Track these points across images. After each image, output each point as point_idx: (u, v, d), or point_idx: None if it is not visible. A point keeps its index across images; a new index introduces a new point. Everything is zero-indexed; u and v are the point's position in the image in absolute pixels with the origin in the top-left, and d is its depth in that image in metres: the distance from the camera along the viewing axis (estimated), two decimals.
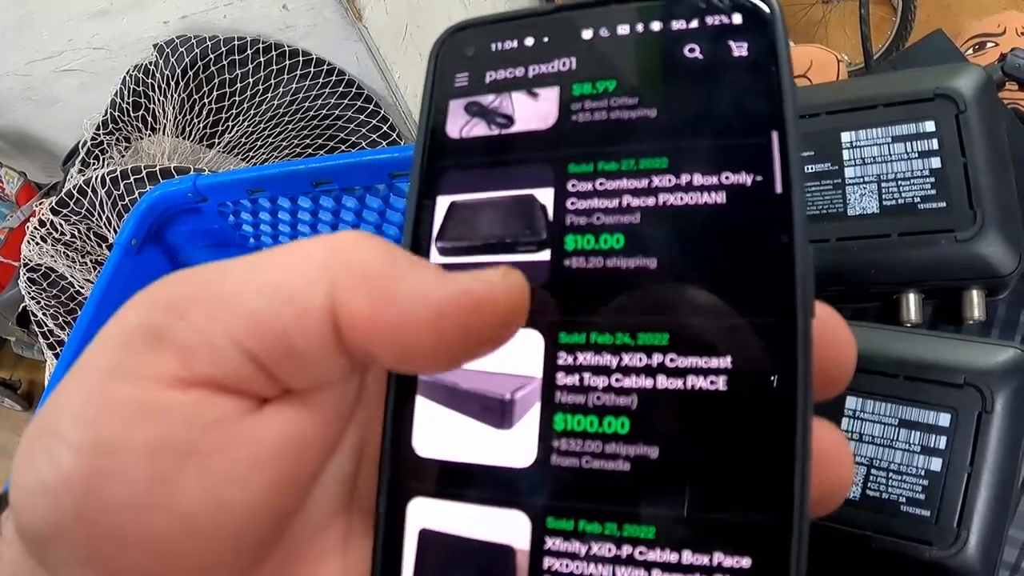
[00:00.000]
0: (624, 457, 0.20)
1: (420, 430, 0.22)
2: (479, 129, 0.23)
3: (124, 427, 0.18)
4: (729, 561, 0.18)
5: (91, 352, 0.19)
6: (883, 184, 0.51)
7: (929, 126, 0.50)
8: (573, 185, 0.22)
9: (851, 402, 0.45)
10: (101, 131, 1.37)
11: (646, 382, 0.20)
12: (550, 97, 0.23)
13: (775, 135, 0.20)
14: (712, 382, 0.19)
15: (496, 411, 0.21)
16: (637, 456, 0.20)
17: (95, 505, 0.17)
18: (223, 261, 0.20)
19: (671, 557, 0.19)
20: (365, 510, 0.22)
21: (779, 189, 0.20)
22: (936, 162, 0.50)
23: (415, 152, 0.24)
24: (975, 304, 0.50)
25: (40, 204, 1.34)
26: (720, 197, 0.20)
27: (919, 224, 0.49)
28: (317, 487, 0.22)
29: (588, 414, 0.20)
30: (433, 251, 0.23)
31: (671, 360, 0.20)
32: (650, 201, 0.21)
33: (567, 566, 0.20)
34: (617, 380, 0.20)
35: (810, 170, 0.53)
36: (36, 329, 1.28)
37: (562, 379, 0.21)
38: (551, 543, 0.20)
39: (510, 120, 0.23)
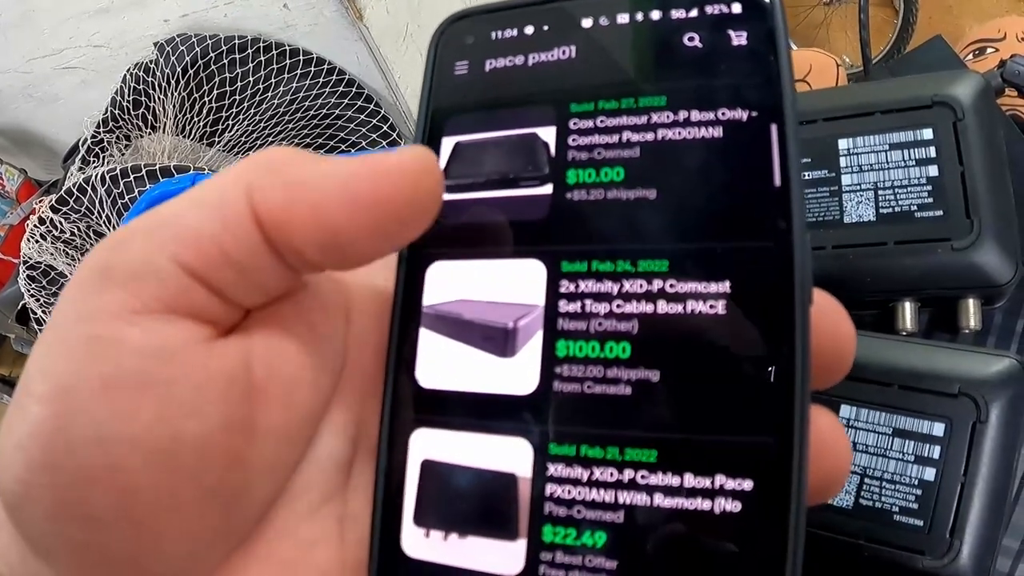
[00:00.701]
0: (625, 381, 0.20)
1: (424, 362, 0.22)
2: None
3: (78, 366, 0.18)
4: (731, 483, 0.19)
5: (55, 309, 0.19)
6: (880, 192, 0.51)
7: (927, 134, 0.50)
8: (574, 123, 0.22)
9: (845, 410, 0.45)
10: (101, 129, 1.37)
11: (646, 307, 0.20)
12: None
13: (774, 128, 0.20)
14: (711, 306, 0.19)
15: (499, 339, 0.21)
16: (638, 380, 0.20)
17: (59, 449, 0.17)
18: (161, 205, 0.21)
19: (673, 480, 0.19)
20: (363, 497, 0.22)
21: (774, 137, 0.20)
22: (933, 170, 0.50)
23: (418, 114, 0.24)
24: (971, 313, 0.50)
25: (40, 201, 1.34)
26: (717, 131, 0.21)
27: (916, 232, 0.49)
28: (307, 466, 0.22)
29: (590, 340, 0.20)
30: None
31: (671, 285, 0.20)
32: (649, 136, 0.21)
33: (569, 492, 0.20)
34: (618, 306, 0.20)
35: (807, 177, 0.53)
36: (35, 326, 1.28)
37: (564, 306, 0.21)
38: (553, 469, 0.20)
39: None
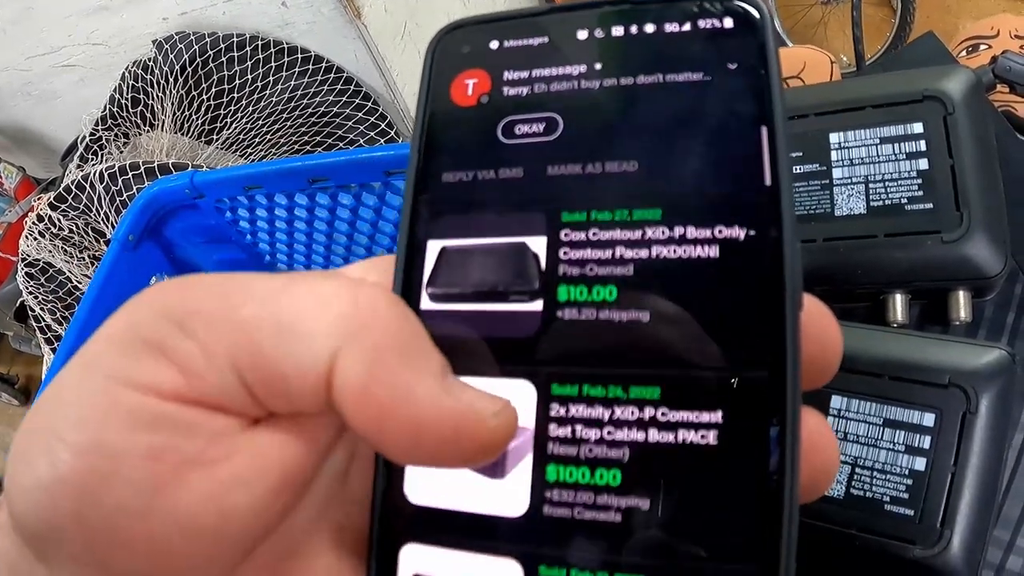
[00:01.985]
0: (615, 508, 0.20)
1: (412, 476, 0.22)
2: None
3: (127, 432, 0.18)
4: None
5: (94, 351, 0.19)
6: (870, 185, 0.51)
7: (917, 128, 0.51)
8: (566, 235, 0.22)
9: (836, 401, 0.45)
10: (100, 127, 1.37)
11: (638, 435, 0.20)
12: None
13: (765, 135, 0.21)
14: (703, 436, 0.19)
15: (489, 463, 0.21)
16: (628, 508, 0.20)
17: (93, 508, 0.18)
18: (239, 276, 0.20)
19: None
20: (358, 505, 0.23)
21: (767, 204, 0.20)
22: (924, 164, 0.50)
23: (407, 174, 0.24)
24: (961, 305, 0.50)
25: (39, 199, 1.34)
26: (712, 251, 0.20)
27: (906, 225, 0.50)
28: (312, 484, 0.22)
29: (580, 465, 0.20)
30: (424, 297, 0.23)
31: (663, 414, 0.20)
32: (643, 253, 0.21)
33: None
34: (609, 433, 0.20)
35: (798, 171, 0.54)
36: (34, 324, 1.28)
37: (554, 430, 0.21)
38: None
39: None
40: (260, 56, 1.37)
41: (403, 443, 0.19)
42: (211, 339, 0.19)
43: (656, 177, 0.21)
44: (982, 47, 0.77)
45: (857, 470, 0.44)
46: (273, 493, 0.20)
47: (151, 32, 1.44)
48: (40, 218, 1.22)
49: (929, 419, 0.43)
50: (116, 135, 1.39)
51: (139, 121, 1.39)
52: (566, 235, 0.22)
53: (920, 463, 0.43)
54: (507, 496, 0.21)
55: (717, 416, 0.19)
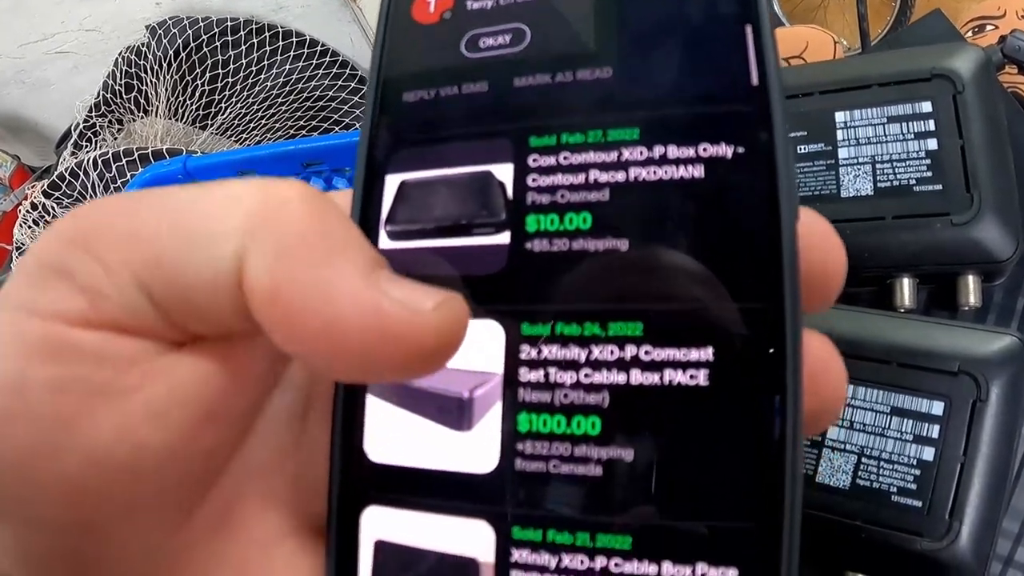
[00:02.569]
0: (595, 461, 0.18)
1: (372, 433, 0.20)
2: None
3: (31, 364, 0.16)
4: (713, 572, 0.17)
5: (5, 288, 0.18)
6: (878, 165, 0.50)
7: (926, 106, 0.49)
8: (535, 160, 0.20)
9: None
10: (94, 113, 1.37)
11: (619, 377, 0.18)
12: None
13: (750, 34, 0.19)
14: (692, 376, 0.18)
15: (453, 411, 0.19)
16: (610, 459, 0.18)
17: (6, 449, 0.16)
18: (151, 190, 0.18)
19: (650, 569, 0.17)
20: (315, 453, 0.21)
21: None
22: (932, 143, 0.49)
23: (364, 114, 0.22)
24: (971, 290, 0.49)
25: (33, 187, 1.34)
26: (697, 169, 0.19)
27: (914, 207, 0.48)
28: (260, 423, 0.21)
29: (555, 413, 0.18)
30: (382, 236, 0.21)
31: (646, 352, 0.18)
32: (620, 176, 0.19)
33: None
34: (587, 375, 0.18)
35: (803, 151, 0.52)
36: None
37: (525, 375, 0.19)
38: (518, 555, 0.18)
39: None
40: (254, 40, 1.37)
41: (323, 349, 0.17)
42: (113, 255, 0.17)
43: (632, 90, 0.19)
44: (988, 27, 0.76)
45: (863, 460, 0.43)
46: (193, 427, 0.18)
47: (144, 17, 1.43)
48: (34, 206, 1.21)
49: (938, 407, 0.42)
50: (110, 122, 1.38)
51: (133, 107, 1.38)
52: (534, 161, 0.20)
53: (928, 453, 0.42)
54: (475, 451, 0.19)
55: (707, 353, 0.18)
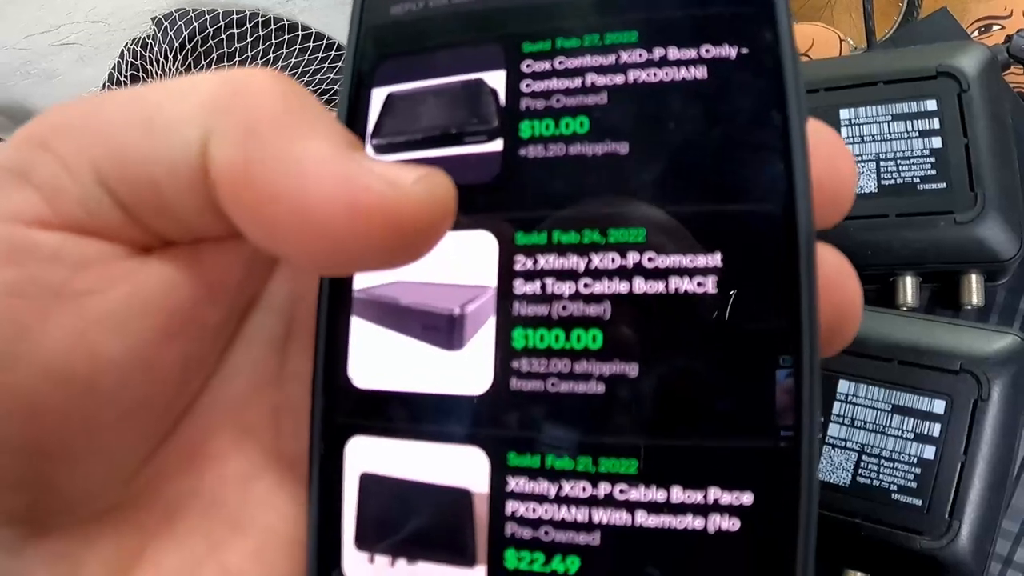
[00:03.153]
0: (597, 377, 0.17)
1: (357, 358, 0.19)
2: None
3: None
4: (727, 497, 0.16)
5: None
6: (882, 163, 0.50)
7: (930, 105, 0.49)
8: (528, 65, 0.19)
9: (843, 386, 0.44)
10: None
11: (621, 287, 0.17)
12: None
13: None
14: (699, 284, 0.17)
15: (443, 329, 0.18)
16: (612, 375, 0.17)
17: None
18: (115, 90, 0.17)
19: (658, 495, 0.16)
20: (298, 384, 0.20)
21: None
22: (937, 142, 0.48)
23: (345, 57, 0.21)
24: (974, 289, 0.49)
25: None
26: (700, 71, 0.18)
27: (918, 205, 0.48)
28: (237, 349, 0.20)
29: (552, 327, 0.17)
30: (368, 150, 0.19)
31: (649, 259, 0.17)
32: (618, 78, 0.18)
33: (535, 510, 0.17)
34: (586, 285, 0.17)
35: None
36: None
37: (520, 287, 0.18)
38: (514, 484, 0.17)
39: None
40: (260, 33, 1.36)
41: (297, 235, 0.15)
42: (72, 150, 0.16)
43: (629, 28, 0.18)
44: (995, 27, 0.76)
45: (864, 458, 0.43)
46: (157, 339, 0.17)
47: (150, 9, 1.43)
48: None
49: (939, 406, 0.42)
50: None
51: None
52: (528, 66, 0.19)
53: (929, 451, 0.42)
54: (467, 371, 0.18)
55: (715, 258, 0.17)
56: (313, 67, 1.36)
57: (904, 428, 0.43)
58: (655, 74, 0.18)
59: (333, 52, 1.37)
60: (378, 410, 0.19)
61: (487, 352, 0.18)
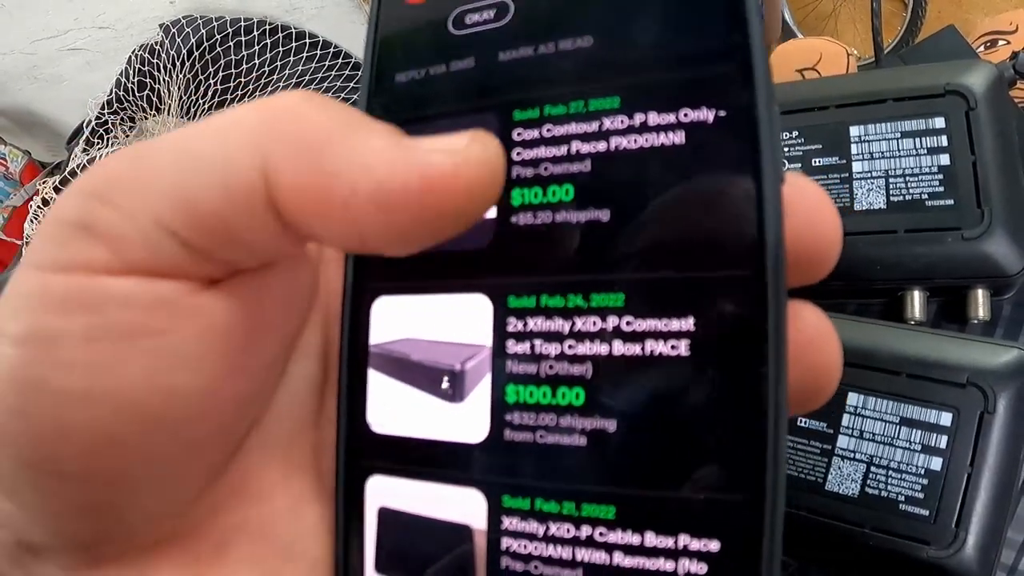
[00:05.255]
0: (579, 431, 0.18)
1: (374, 405, 0.21)
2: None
3: (61, 314, 0.17)
4: (695, 544, 0.17)
5: (29, 249, 0.18)
6: (891, 179, 0.50)
7: (939, 122, 0.50)
8: (519, 134, 0.20)
9: (852, 399, 0.45)
10: (106, 111, 1.37)
11: (601, 348, 0.18)
12: None
13: None
14: (672, 347, 0.18)
15: (447, 383, 0.20)
16: (593, 430, 0.18)
17: (35, 399, 0.16)
18: (157, 138, 0.18)
19: (633, 539, 0.18)
20: (335, 426, 0.22)
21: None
22: (945, 159, 0.49)
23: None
24: (980, 303, 0.49)
25: (44, 183, 1.34)
26: (678, 136, 0.18)
27: (926, 221, 0.49)
28: (282, 393, 0.21)
29: (540, 385, 0.19)
30: None
31: (627, 323, 0.18)
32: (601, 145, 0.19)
33: (525, 547, 0.19)
34: (570, 347, 0.19)
35: (817, 163, 0.53)
36: None
37: (512, 347, 0.19)
38: (508, 523, 0.19)
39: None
40: (268, 41, 1.37)
41: (378, 221, 0.16)
42: (129, 200, 0.17)
43: (613, 59, 0.19)
44: (1000, 43, 0.77)
45: (872, 469, 0.44)
46: (222, 371, 0.18)
47: (158, 16, 1.44)
48: (45, 202, 1.22)
49: (946, 418, 0.43)
50: (122, 119, 1.39)
51: (145, 105, 1.39)
52: (519, 135, 0.20)
53: (936, 463, 0.42)
54: (467, 421, 0.20)
55: (688, 323, 0.17)
56: (320, 74, 1.37)
57: (912, 440, 0.43)
58: (635, 140, 0.19)
59: (340, 60, 1.38)
60: (393, 453, 0.21)
61: (484, 405, 0.20)
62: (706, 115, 0.18)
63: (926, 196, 0.49)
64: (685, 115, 0.18)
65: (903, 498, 0.43)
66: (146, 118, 1.40)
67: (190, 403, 0.18)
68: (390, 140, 0.17)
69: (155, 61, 1.38)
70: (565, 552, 0.18)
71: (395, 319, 0.21)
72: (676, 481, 0.17)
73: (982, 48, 0.77)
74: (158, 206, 0.17)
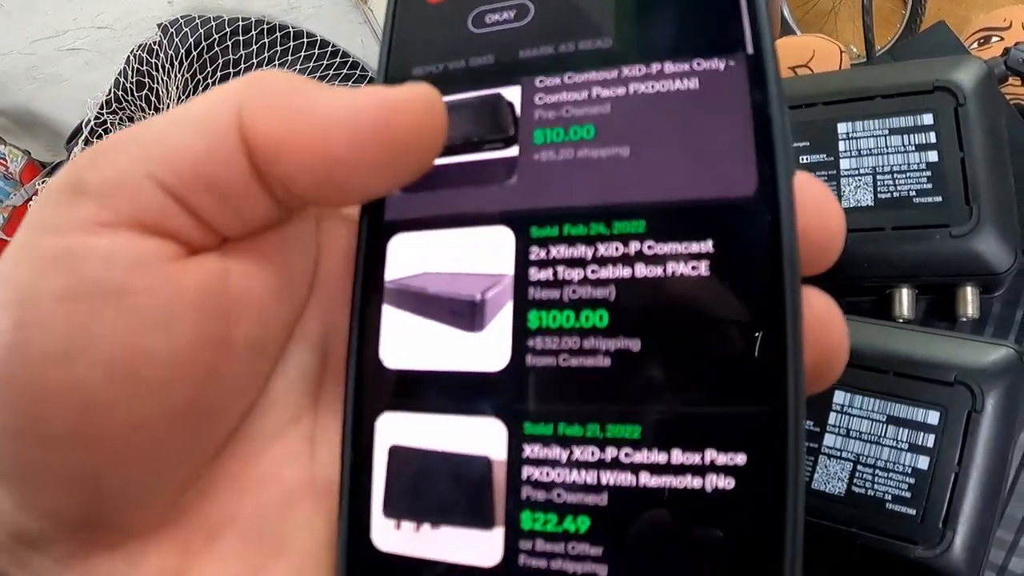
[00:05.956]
0: (604, 352, 0.19)
1: (387, 341, 0.21)
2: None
3: (41, 276, 0.17)
4: (722, 458, 0.17)
5: (23, 222, 0.18)
6: (879, 176, 0.50)
7: (927, 119, 0.49)
8: (541, 81, 0.21)
9: (839, 397, 0.45)
10: (104, 110, 1.37)
11: (624, 272, 0.19)
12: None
13: None
14: (693, 267, 0.18)
15: (466, 313, 0.20)
16: (618, 350, 0.19)
17: (19, 363, 0.17)
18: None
19: (659, 457, 0.18)
20: (332, 414, 0.22)
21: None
22: (933, 156, 0.49)
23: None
24: (969, 301, 0.49)
25: (43, 183, 1.35)
26: (692, 82, 0.20)
27: (914, 218, 0.49)
28: (278, 381, 0.21)
29: (564, 309, 0.19)
30: None
31: (649, 248, 0.19)
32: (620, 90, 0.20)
33: (548, 474, 0.19)
34: (593, 271, 0.19)
35: (805, 161, 0.53)
36: None
37: (535, 274, 0.20)
38: (530, 450, 0.19)
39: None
40: (266, 40, 1.37)
41: (345, 153, 0.18)
42: (118, 158, 0.18)
43: (630, 48, 0.20)
44: (994, 39, 0.76)
45: (859, 467, 0.44)
46: (198, 338, 0.18)
47: (156, 15, 1.44)
48: None
49: (933, 417, 0.43)
50: (121, 119, 1.39)
51: (144, 105, 1.39)
52: (540, 82, 0.21)
53: (923, 462, 0.42)
54: (487, 350, 0.20)
55: (707, 245, 0.18)
56: (318, 74, 1.37)
57: (899, 439, 0.43)
58: (652, 86, 0.20)
59: (338, 59, 1.38)
60: (407, 388, 0.21)
61: (505, 332, 0.20)
62: (717, 64, 0.19)
63: (914, 193, 0.49)
64: (698, 64, 0.19)
65: (890, 497, 0.43)
66: (145, 117, 1.40)
67: (163, 365, 0.18)
68: (349, 90, 0.19)
69: (153, 61, 1.38)
70: (589, 476, 0.18)
71: (413, 256, 0.21)
72: (700, 397, 0.18)
73: (975, 44, 0.77)
74: (146, 160, 0.18)
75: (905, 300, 0.50)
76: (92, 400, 0.17)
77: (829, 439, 0.44)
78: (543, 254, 0.20)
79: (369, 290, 0.21)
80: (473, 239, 0.20)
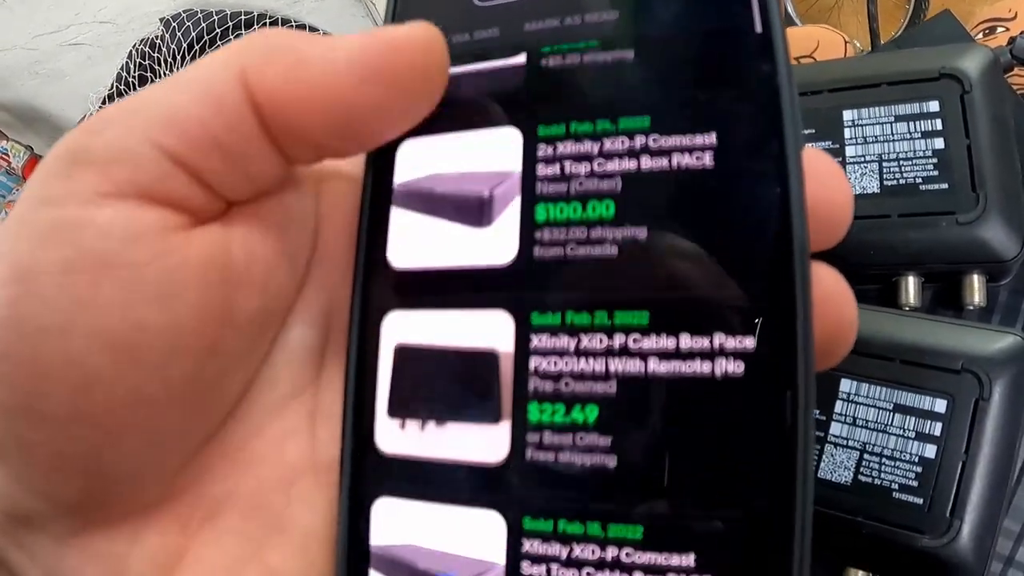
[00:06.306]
0: (611, 241, 0.19)
1: (396, 242, 0.21)
2: None
3: (38, 248, 0.17)
4: (731, 342, 0.17)
5: (22, 193, 0.18)
6: (884, 164, 0.50)
7: (933, 106, 0.49)
8: None
9: (845, 385, 0.44)
10: (107, 105, 1.37)
11: (630, 164, 0.19)
12: None
13: None
14: (698, 158, 0.18)
15: (474, 208, 0.20)
16: (624, 239, 0.19)
17: (16, 337, 0.16)
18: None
19: (668, 343, 0.18)
20: (333, 390, 0.22)
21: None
22: (939, 143, 0.49)
23: None
24: (975, 289, 0.49)
25: None
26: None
27: (920, 205, 0.48)
28: (279, 356, 0.21)
29: (571, 200, 0.19)
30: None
31: (654, 140, 0.19)
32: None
33: (555, 364, 0.19)
34: (600, 164, 0.19)
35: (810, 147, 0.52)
36: None
37: (542, 170, 0.20)
38: (537, 341, 0.19)
39: None
40: None
41: (352, 96, 0.18)
42: (120, 126, 0.18)
43: (637, 31, 0.20)
44: (999, 29, 0.76)
45: (865, 456, 0.43)
46: (197, 313, 0.18)
47: (158, 10, 1.44)
48: None
49: (941, 405, 0.42)
50: None
51: None
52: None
53: (930, 450, 0.42)
54: (494, 244, 0.20)
55: (712, 137, 0.18)
56: None
57: (906, 427, 0.43)
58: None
59: None
60: (414, 286, 0.21)
61: (512, 227, 0.20)
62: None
63: (920, 180, 0.49)
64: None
65: (897, 486, 0.42)
66: None
67: (163, 340, 0.18)
68: (348, 36, 0.19)
69: (156, 55, 1.37)
70: (598, 365, 0.18)
71: (422, 159, 0.21)
72: (708, 280, 0.18)
73: (981, 35, 0.77)
74: (148, 125, 0.18)
75: (911, 288, 0.50)
76: (91, 376, 0.17)
77: (835, 427, 0.44)
78: (550, 151, 0.20)
79: (378, 192, 0.21)
80: (482, 140, 0.21)
